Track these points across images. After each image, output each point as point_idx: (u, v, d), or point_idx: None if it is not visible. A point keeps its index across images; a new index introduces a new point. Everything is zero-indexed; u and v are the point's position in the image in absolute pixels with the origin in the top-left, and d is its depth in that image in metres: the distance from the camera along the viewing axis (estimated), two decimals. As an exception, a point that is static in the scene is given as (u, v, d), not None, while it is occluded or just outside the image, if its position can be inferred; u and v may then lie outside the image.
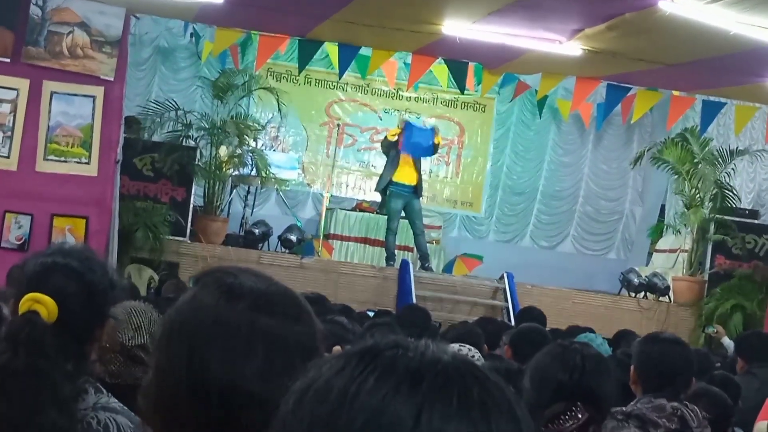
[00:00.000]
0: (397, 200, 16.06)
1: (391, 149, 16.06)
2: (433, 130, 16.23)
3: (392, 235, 16.37)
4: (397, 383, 1.20)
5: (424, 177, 17.17)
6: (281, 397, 1.30)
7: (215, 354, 1.89)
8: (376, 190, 16.86)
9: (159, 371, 1.97)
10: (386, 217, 16.65)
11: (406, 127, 16.03)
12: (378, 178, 16.89)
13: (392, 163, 16.01)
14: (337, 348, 3.60)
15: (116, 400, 2.95)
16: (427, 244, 16.80)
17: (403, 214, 16.19)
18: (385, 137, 16.43)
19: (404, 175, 15.99)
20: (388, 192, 16.15)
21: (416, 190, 16.12)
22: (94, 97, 13.21)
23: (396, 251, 16.46)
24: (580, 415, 3.48)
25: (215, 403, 1.87)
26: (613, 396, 3.69)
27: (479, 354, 6.20)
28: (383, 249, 16.99)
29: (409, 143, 15.88)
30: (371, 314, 10.95)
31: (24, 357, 2.73)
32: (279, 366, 1.87)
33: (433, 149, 16.26)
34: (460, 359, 1.25)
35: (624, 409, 4.59)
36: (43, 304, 2.80)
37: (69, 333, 2.83)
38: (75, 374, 2.84)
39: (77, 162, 13.18)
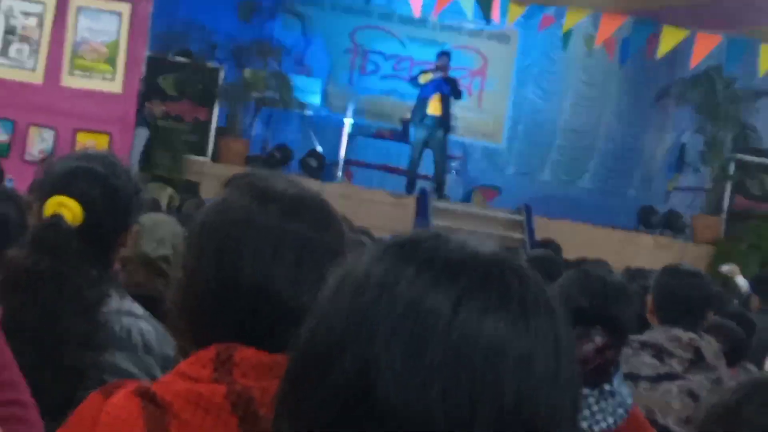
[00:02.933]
0: (421, 130, 16.17)
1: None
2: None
3: (412, 165, 16.45)
4: (436, 274, 1.21)
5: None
6: (310, 301, 1.30)
7: (245, 255, 1.88)
8: (410, 122, 16.91)
9: (188, 272, 1.95)
10: (408, 145, 16.77)
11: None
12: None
13: (423, 99, 16.18)
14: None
15: (140, 306, 2.93)
16: (446, 175, 16.88)
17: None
18: (417, 78, 16.54)
19: (430, 107, 16.10)
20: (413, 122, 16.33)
21: (441, 122, 16.20)
22: (120, 14, 13.22)
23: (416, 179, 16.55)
24: (597, 338, 3.53)
25: (243, 305, 1.87)
26: (631, 324, 3.73)
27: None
28: (403, 176, 17.05)
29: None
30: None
31: (48, 261, 2.72)
32: (308, 270, 1.87)
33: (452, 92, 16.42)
34: (501, 254, 1.26)
35: (640, 337, 4.65)
36: (67, 208, 2.78)
37: (93, 238, 2.80)
38: (99, 280, 2.81)
39: (102, 78, 13.22)
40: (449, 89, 16.29)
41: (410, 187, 16.46)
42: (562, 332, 1.23)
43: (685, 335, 4.62)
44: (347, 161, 17.59)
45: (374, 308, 1.20)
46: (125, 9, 13.23)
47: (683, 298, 4.73)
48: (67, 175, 2.88)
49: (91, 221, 2.81)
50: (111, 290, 2.85)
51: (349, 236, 2.03)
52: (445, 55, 16.71)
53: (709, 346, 4.72)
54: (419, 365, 1.17)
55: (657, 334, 4.66)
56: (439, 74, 16.31)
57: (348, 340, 1.20)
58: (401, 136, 17.99)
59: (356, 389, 1.18)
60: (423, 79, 16.36)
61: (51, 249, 2.73)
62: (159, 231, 4.42)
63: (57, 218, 2.77)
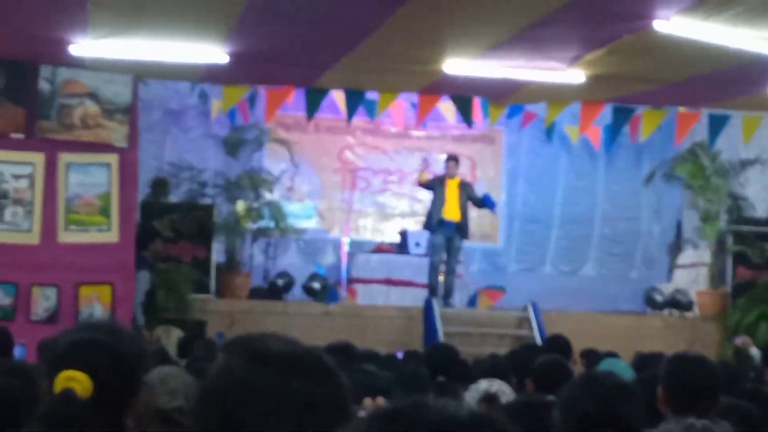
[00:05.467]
0: (440, 235, 16.30)
1: (435, 185, 16.33)
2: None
3: (434, 270, 16.54)
4: None
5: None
6: None
7: (248, 418, 1.95)
8: (425, 228, 17.00)
9: None
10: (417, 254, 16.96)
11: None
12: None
13: (439, 200, 16.28)
14: (367, 400, 3.67)
15: None
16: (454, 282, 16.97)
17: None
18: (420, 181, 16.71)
19: (449, 212, 16.23)
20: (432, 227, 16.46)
21: (460, 228, 16.33)
22: (109, 165, 13.39)
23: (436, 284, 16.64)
24: (611, 442, 3.57)
25: None
26: (640, 422, 3.77)
27: (509, 389, 6.29)
28: (407, 288, 17.09)
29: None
30: (399, 355, 11.02)
31: None
32: (311, 426, 1.92)
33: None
34: (477, 415, 1.33)
35: (654, 431, 4.67)
36: (77, 381, 2.85)
37: (105, 405, 2.87)
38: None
39: (98, 230, 13.35)
40: (491, 200, 16.57)
41: (433, 294, 16.49)
42: None
43: (699, 423, 4.63)
44: (350, 280, 17.64)
45: None
46: (113, 159, 13.42)
47: (692, 385, 4.77)
48: (73, 347, 2.95)
49: (101, 390, 2.87)
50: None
51: (347, 385, 2.07)
52: (453, 161, 16.81)
53: (726, 430, 4.73)
54: None
55: (671, 426, 4.67)
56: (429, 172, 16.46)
57: None
58: (401, 247, 18.10)
59: None
60: (422, 178, 16.48)
61: (64, 423, 2.78)
62: (169, 383, 4.45)
63: (68, 392, 2.83)
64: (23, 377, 4.10)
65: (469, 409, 1.34)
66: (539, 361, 7.10)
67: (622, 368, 7.46)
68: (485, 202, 16.64)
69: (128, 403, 3.01)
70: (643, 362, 9.83)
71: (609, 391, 3.65)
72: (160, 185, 15.75)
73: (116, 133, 13.34)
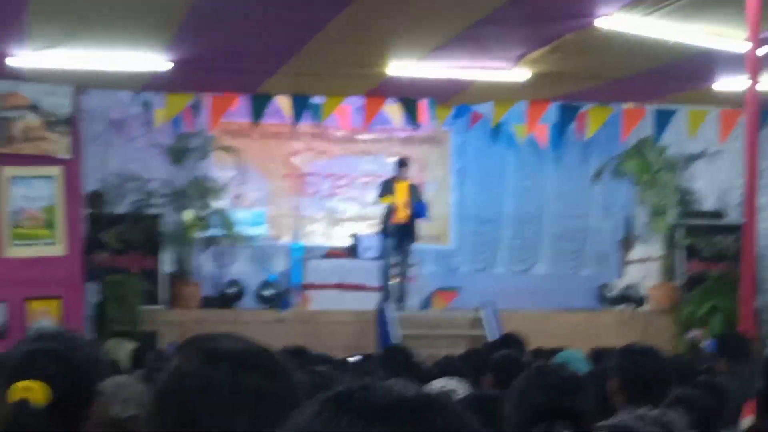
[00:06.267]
0: (391, 238, 16.35)
1: (385, 188, 16.36)
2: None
3: (386, 273, 16.59)
4: (368, 421, 1.33)
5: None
6: None
7: (205, 415, 1.97)
8: (380, 232, 17.04)
9: None
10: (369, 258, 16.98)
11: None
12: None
13: (390, 208, 16.37)
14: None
15: None
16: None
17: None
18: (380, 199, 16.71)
19: (398, 215, 16.27)
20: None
21: (408, 231, 16.34)
22: (53, 177, 13.26)
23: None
24: (562, 433, 3.54)
25: None
26: (590, 413, 3.75)
27: (465, 387, 6.25)
28: (360, 292, 17.06)
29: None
30: (353, 360, 10.97)
31: None
32: (265, 419, 1.94)
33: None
34: (424, 394, 1.38)
35: (608, 423, 4.65)
36: (33, 390, 2.81)
37: (61, 414, 2.83)
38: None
39: (44, 243, 13.21)
40: (424, 210, 16.57)
41: (386, 298, 16.51)
42: None
43: (651, 413, 4.62)
44: (302, 286, 17.57)
45: None
46: (57, 172, 13.29)
47: (643, 376, 4.76)
48: (27, 358, 2.91)
49: (58, 399, 2.84)
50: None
51: (300, 381, 2.12)
52: (404, 165, 16.82)
53: (679, 419, 4.72)
54: None
55: (624, 417, 4.66)
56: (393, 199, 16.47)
57: None
58: (352, 251, 18.06)
59: None
60: (386, 201, 16.47)
61: None
62: (122, 393, 4.46)
63: (23, 403, 2.80)
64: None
65: (416, 389, 1.40)
66: (494, 357, 7.11)
67: (578, 360, 7.47)
68: (417, 211, 16.58)
69: (84, 411, 2.98)
70: (599, 357, 9.85)
71: (559, 382, 3.63)
72: (96, 198, 15.58)
73: (58, 144, 13.22)
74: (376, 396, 1.37)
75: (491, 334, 15.37)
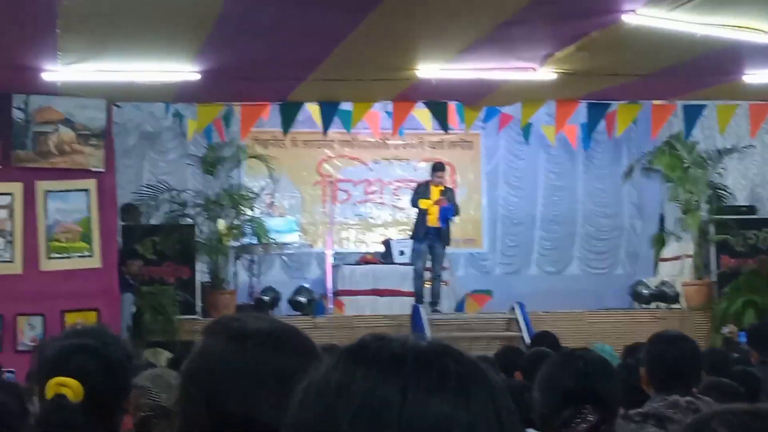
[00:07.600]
0: (423, 242, 16.37)
1: (419, 192, 16.43)
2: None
3: (419, 277, 16.61)
4: (382, 369, 1.39)
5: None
6: None
7: (231, 394, 2.01)
8: (412, 237, 17.07)
9: (182, 420, 2.09)
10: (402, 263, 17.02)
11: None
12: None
13: (422, 212, 16.34)
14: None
15: None
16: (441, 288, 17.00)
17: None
18: (416, 204, 16.63)
19: (431, 219, 16.26)
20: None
21: (441, 235, 16.35)
22: (87, 191, 13.37)
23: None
24: (590, 417, 3.58)
25: None
26: (618, 397, 3.79)
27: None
28: (394, 297, 17.12)
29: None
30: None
31: None
32: (291, 395, 1.97)
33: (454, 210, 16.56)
34: (437, 343, 1.44)
35: (640, 410, 4.69)
36: (68, 386, 2.86)
37: (96, 409, 2.89)
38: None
39: (80, 256, 13.32)
40: (453, 211, 16.49)
41: (419, 301, 16.52)
42: (502, 403, 1.41)
43: (683, 399, 4.65)
44: (335, 292, 17.63)
45: (335, 407, 1.38)
46: (91, 185, 13.40)
47: (673, 363, 4.79)
48: (61, 354, 2.98)
49: (92, 394, 2.90)
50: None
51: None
52: (438, 169, 16.78)
53: (708, 406, 4.74)
54: None
55: (655, 404, 4.70)
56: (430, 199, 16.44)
57: None
58: (385, 257, 18.13)
59: None
60: (423, 205, 16.42)
61: (58, 429, 2.82)
62: (162, 381, 4.51)
63: (60, 398, 2.86)
64: (12, 392, 4.14)
65: (431, 340, 1.45)
66: (527, 354, 7.14)
67: (608, 353, 7.50)
68: (443, 213, 16.48)
69: (119, 405, 3.05)
70: (633, 352, 9.86)
71: (587, 367, 3.67)
72: (130, 211, 15.76)
73: (92, 157, 13.34)
74: (391, 346, 1.42)
75: (525, 334, 15.37)
